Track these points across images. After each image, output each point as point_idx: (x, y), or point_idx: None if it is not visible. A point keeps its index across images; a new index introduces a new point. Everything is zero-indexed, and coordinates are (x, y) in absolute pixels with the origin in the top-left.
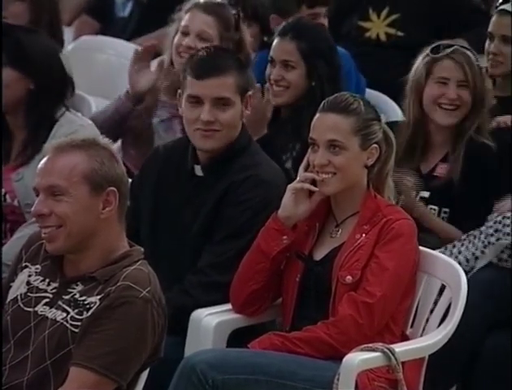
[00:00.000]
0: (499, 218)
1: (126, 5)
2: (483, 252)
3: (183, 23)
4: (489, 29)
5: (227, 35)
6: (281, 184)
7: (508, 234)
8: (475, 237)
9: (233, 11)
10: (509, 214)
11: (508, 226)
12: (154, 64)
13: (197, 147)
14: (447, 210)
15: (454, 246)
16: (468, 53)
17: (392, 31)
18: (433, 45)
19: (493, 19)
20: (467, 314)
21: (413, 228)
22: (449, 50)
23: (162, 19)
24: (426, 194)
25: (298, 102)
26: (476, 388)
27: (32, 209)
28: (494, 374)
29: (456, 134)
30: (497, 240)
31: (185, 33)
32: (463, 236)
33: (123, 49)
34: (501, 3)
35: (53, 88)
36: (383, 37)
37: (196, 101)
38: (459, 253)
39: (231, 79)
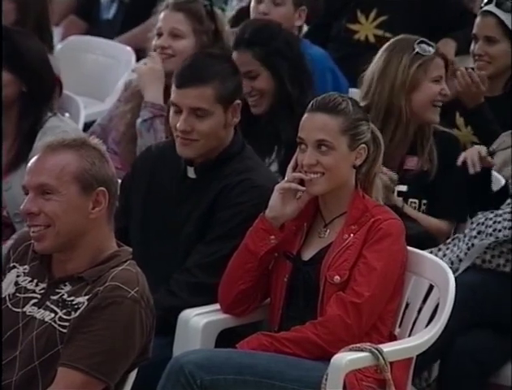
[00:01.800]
0: (481, 220)
1: (111, 7)
2: (466, 254)
3: (157, 25)
4: (473, 31)
5: (201, 28)
6: None
7: (490, 234)
8: (459, 240)
9: (205, 2)
10: (491, 215)
11: (490, 227)
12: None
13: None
14: (425, 201)
15: (440, 250)
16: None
17: (380, 32)
18: (418, 42)
19: (477, 20)
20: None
21: (401, 228)
22: (433, 48)
23: (145, 19)
24: (404, 188)
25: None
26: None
27: (21, 207)
28: (467, 372)
29: (419, 126)
30: (481, 241)
31: (160, 34)
32: (448, 240)
33: (111, 49)
34: (485, 4)
35: (44, 92)
36: (371, 39)
37: (177, 108)
38: (444, 255)
39: (209, 90)
